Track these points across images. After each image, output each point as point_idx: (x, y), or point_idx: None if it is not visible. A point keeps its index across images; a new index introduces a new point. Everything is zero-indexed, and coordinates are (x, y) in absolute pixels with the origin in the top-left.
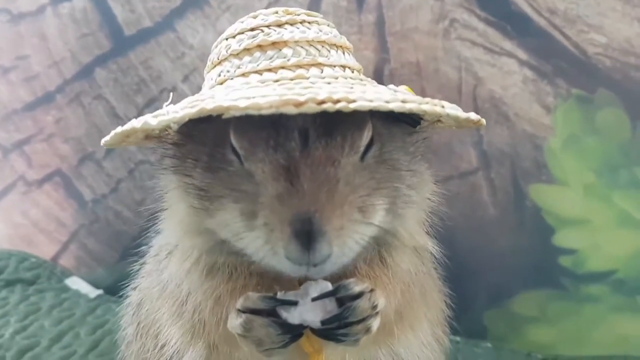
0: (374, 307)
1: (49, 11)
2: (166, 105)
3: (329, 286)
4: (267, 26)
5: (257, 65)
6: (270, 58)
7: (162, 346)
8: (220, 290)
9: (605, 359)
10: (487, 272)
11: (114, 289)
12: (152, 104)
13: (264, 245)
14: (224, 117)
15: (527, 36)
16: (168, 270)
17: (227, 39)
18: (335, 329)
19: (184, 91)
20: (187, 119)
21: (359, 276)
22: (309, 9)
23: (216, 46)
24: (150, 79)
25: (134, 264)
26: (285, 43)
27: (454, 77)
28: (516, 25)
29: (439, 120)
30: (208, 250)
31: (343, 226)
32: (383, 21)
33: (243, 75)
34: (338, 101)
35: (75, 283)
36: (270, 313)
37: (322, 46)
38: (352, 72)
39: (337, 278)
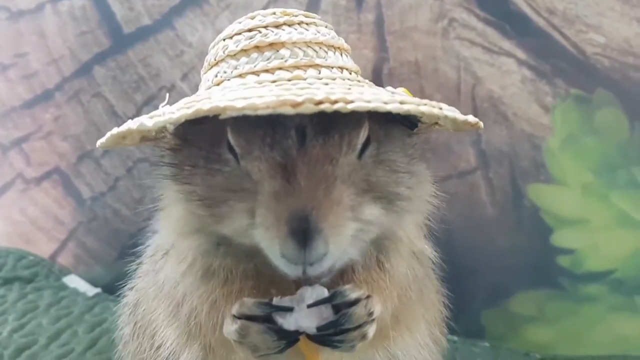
0: (370, 314)
1: (48, 9)
2: (162, 106)
3: (325, 292)
4: (265, 27)
5: (254, 66)
6: (268, 59)
7: (158, 347)
8: (216, 295)
9: (603, 358)
10: (486, 271)
11: (112, 287)
12: (150, 102)
13: (262, 242)
14: (220, 117)
15: (526, 36)
16: (164, 272)
17: (224, 40)
18: (331, 335)
19: (182, 89)
20: (183, 120)
21: (357, 281)
22: (308, 8)
23: (213, 47)
24: (149, 77)
25: (131, 263)
26: (282, 44)
27: (452, 76)
28: (515, 25)
29: (436, 123)
30: (203, 252)
31: (340, 224)
32: (382, 20)
33: (240, 76)
34: (336, 102)
35: (73, 281)
36: (265, 319)
37: (320, 47)
38: (350, 73)
39: (334, 283)
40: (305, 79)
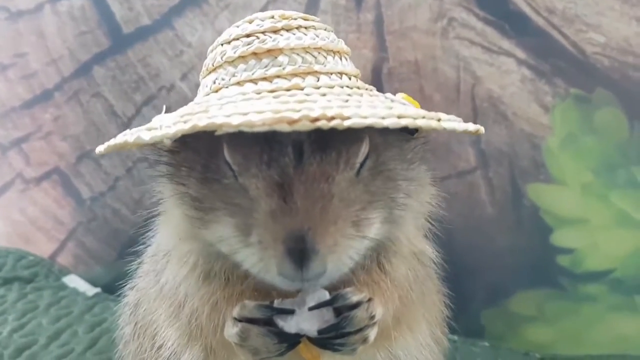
0: (372, 317)
1: (47, 9)
2: (160, 116)
3: (326, 295)
4: (263, 32)
5: (252, 74)
6: (266, 66)
7: (159, 347)
8: (217, 297)
9: (603, 358)
10: (485, 271)
11: (112, 287)
12: (150, 102)
13: (259, 262)
14: (216, 134)
15: (525, 35)
16: (165, 273)
17: (222, 45)
18: (332, 338)
19: (182, 89)
20: (180, 135)
21: (357, 284)
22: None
23: (211, 51)
24: (148, 77)
25: (132, 263)
26: (280, 50)
27: (452, 76)
28: (514, 24)
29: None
30: (204, 255)
31: (337, 242)
32: (382, 20)
33: (238, 84)
34: (332, 118)
35: (73, 281)
36: (266, 322)
37: (319, 53)
38: (350, 78)
39: (335, 286)
40: (303, 89)
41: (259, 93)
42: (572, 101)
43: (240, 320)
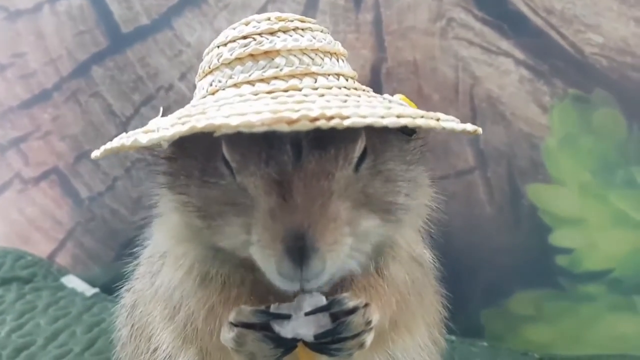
0: (368, 322)
1: (45, 8)
2: (157, 119)
3: (322, 300)
4: (260, 34)
5: (249, 76)
6: (263, 68)
7: (155, 350)
8: (214, 301)
9: (602, 358)
10: (484, 271)
11: (110, 288)
12: (148, 102)
13: (259, 260)
14: (215, 135)
15: (524, 36)
16: (161, 275)
17: (218, 47)
18: (328, 344)
19: (180, 89)
20: (177, 137)
21: (355, 288)
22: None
23: (207, 53)
24: (147, 77)
25: (129, 265)
26: (277, 52)
27: (451, 76)
28: (513, 24)
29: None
30: (201, 259)
31: (336, 241)
32: (380, 20)
33: (235, 85)
34: (331, 118)
35: (71, 281)
36: (263, 327)
37: (316, 54)
38: (347, 80)
39: (332, 290)
40: (300, 90)
41: (256, 94)
42: (571, 101)
43: (236, 325)
